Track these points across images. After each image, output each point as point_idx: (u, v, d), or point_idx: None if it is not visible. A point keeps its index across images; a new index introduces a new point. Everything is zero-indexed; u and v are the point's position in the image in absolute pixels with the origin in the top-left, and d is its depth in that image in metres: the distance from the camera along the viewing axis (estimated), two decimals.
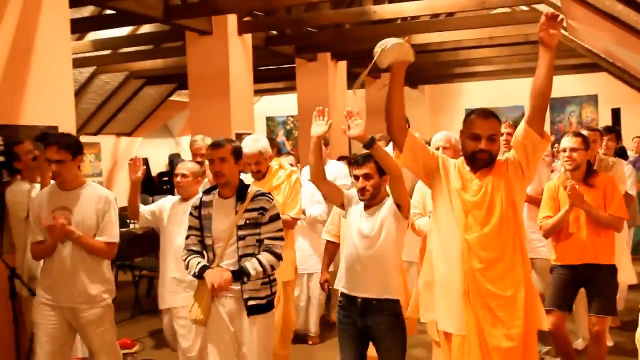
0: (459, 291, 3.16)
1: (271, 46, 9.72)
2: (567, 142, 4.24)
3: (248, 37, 8.51)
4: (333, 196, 3.85)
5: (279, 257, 3.58)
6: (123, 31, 9.58)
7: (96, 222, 3.81)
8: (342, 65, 11.47)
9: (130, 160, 4.50)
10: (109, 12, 7.99)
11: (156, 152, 15.61)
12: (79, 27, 8.37)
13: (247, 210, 3.57)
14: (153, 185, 14.53)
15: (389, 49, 2.78)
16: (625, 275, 5.39)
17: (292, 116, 16.63)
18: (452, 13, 9.57)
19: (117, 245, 3.95)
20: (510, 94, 14.67)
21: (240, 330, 3.58)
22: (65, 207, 3.79)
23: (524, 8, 9.00)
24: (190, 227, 3.69)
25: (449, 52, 11.58)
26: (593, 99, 14.98)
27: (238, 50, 8.30)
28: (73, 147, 3.74)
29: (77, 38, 9.42)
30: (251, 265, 3.48)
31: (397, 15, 8.74)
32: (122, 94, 12.73)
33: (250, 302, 3.54)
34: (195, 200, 3.79)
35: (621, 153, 8.07)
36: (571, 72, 13.38)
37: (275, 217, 3.64)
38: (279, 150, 6.86)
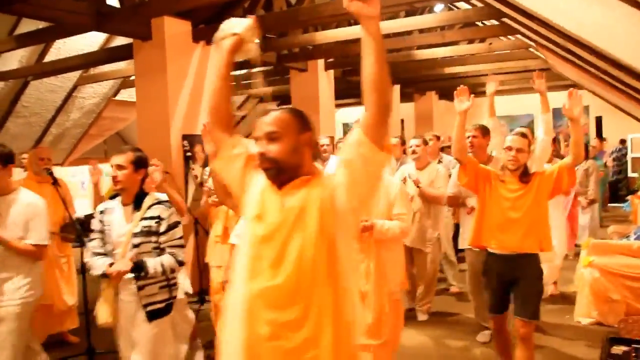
0: None
1: (347, 77, 10.74)
2: (515, 142, 3.34)
3: (331, 72, 9.65)
4: None
5: (180, 262, 2.97)
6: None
7: (24, 226, 3.18)
8: (396, 88, 12.25)
9: None
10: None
11: None
12: None
13: (143, 219, 2.92)
14: None
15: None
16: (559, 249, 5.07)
17: None
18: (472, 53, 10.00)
19: (46, 247, 3.32)
20: (522, 105, 14.78)
21: (137, 333, 2.91)
22: None
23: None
24: (94, 231, 3.04)
25: (472, 78, 11.88)
26: (585, 110, 14.85)
27: (324, 81, 9.43)
28: (3, 158, 3.18)
29: None
30: (152, 262, 2.87)
31: (433, 55, 9.45)
32: (243, 110, 13.92)
33: (149, 308, 2.90)
34: (101, 205, 3.13)
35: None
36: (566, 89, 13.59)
37: (174, 225, 2.96)
38: None
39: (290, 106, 1.88)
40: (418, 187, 4.85)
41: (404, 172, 5.02)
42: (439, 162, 5.59)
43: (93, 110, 10.38)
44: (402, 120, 14.48)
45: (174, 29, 6.29)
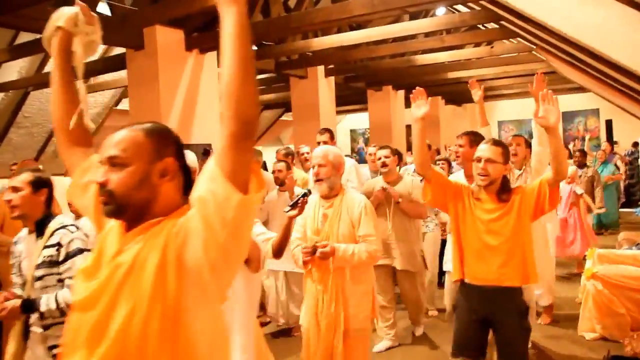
0: None
1: (349, 83, 10.58)
2: (484, 151, 2.80)
3: (331, 78, 9.50)
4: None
5: None
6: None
7: None
8: (401, 93, 12.10)
9: None
10: None
11: (271, 157, 16.74)
12: None
13: (45, 247, 2.47)
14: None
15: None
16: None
17: (368, 129, 17.62)
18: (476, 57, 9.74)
19: None
20: (530, 109, 14.44)
21: None
22: None
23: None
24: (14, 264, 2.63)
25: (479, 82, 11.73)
26: (596, 112, 14.81)
27: (325, 87, 9.29)
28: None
29: None
30: (45, 299, 2.41)
31: (433, 60, 9.23)
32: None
33: (54, 351, 2.40)
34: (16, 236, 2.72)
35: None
36: (578, 92, 13.36)
37: (74, 254, 2.46)
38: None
39: (152, 122, 1.39)
40: (397, 202, 4.26)
41: (371, 185, 4.47)
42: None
43: (95, 120, 10.30)
44: (408, 127, 14.27)
45: (166, 38, 6.20)
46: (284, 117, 15.41)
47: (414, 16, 8.48)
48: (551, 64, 8.38)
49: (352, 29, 8.26)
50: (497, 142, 2.89)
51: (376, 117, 11.74)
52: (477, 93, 4.17)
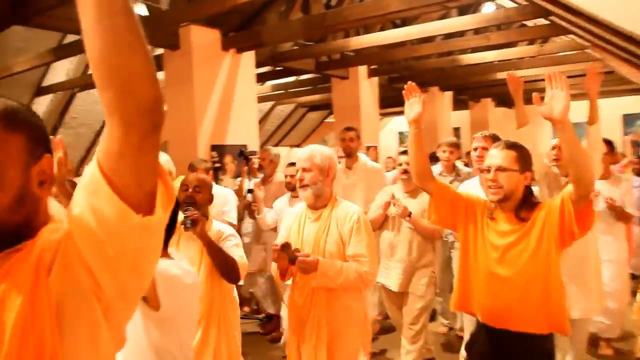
0: None
1: (393, 84, 10.22)
2: (493, 156, 2.27)
3: (375, 79, 9.26)
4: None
5: None
6: (291, 78, 10.40)
7: None
8: (448, 94, 11.76)
9: None
10: (279, 68, 8.66)
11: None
12: (263, 78, 9.43)
13: None
14: None
15: None
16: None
17: None
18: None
19: None
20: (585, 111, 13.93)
21: None
22: None
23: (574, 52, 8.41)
24: None
25: (528, 83, 11.14)
26: None
27: (367, 89, 9.06)
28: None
29: (262, 84, 10.60)
30: None
31: (481, 60, 8.80)
32: (292, 118, 13.93)
33: None
34: None
35: None
36: (638, 93, 12.44)
37: None
38: None
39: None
40: (407, 217, 3.70)
41: (388, 193, 3.91)
42: (457, 176, 4.53)
43: None
44: (457, 129, 13.85)
45: (202, 37, 6.13)
46: (328, 119, 15.15)
47: (463, 12, 8.12)
48: (608, 62, 7.81)
49: (395, 26, 7.96)
50: (511, 145, 2.30)
51: (422, 119, 11.34)
52: (515, 87, 3.41)
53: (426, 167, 2.46)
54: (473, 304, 2.33)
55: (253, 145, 6.32)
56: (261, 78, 9.37)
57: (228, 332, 2.66)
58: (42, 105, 8.95)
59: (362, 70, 8.94)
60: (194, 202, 2.59)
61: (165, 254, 1.85)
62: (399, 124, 18.02)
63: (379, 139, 9.66)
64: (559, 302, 2.15)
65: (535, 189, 2.31)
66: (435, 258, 3.88)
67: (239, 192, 4.94)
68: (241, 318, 3.11)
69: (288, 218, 2.71)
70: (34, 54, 7.03)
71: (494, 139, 3.36)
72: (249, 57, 6.61)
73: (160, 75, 8.24)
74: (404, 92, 2.46)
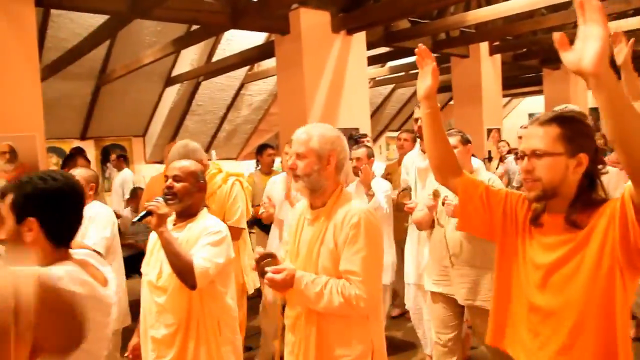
0: None
1: (519, 61, 9.50)
2: (527, 136, 1.62)
3: (497, 57, 8.61)
4: None
5: None
6: (411, 59, 9.72)
7: None
8: None
9: None
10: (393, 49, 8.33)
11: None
12: (380, 59, 9.25)
13: None
14: None
15: None
16: None
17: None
18: None
19: None
20: None
21: None
22: None
23: None
24: None
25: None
26: None
27: (489, 67, 8.46)
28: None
29: (382, 66, 10.34)
30: None
31: (623, 29, 7.84)
32: (414, 101, 13.30)
33: None
34: None
35: None
36: None
37: None
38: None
39: None
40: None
41: (432, 186, 3.21)
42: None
43: (261, 106, 10.72)
44: (595, 109, 12.56)
45: (311, 20, 6.04)
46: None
47: None
48: None
49: None
50: (553, 118, 1.57)
51: (553, 100, 10.29)
52: (622, 50, 2.35)
53: (447, 158, 1.87)
54: (506, 342, 1.74)
55: (365, 128, 6.15)
56: (378, 60, 9.23)
57: (213, 347, 2.30)
58: (171, 95, 9.51)
59: (484, 47, 8.35)
60: (173, 194, 2.39)
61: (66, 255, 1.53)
62: (529, 104, 16.87)
63: (501, 121, 9.01)
64: (626, 348, 1.48)
65: (606, 179, 1.60)
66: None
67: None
68: None
69: (293, 217, 2.16)
70: (160, 46, 7.41)
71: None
72: (360, 38, 6.43)
73: (273, 61, 8.36)
74: (416, 59, 1.83)
